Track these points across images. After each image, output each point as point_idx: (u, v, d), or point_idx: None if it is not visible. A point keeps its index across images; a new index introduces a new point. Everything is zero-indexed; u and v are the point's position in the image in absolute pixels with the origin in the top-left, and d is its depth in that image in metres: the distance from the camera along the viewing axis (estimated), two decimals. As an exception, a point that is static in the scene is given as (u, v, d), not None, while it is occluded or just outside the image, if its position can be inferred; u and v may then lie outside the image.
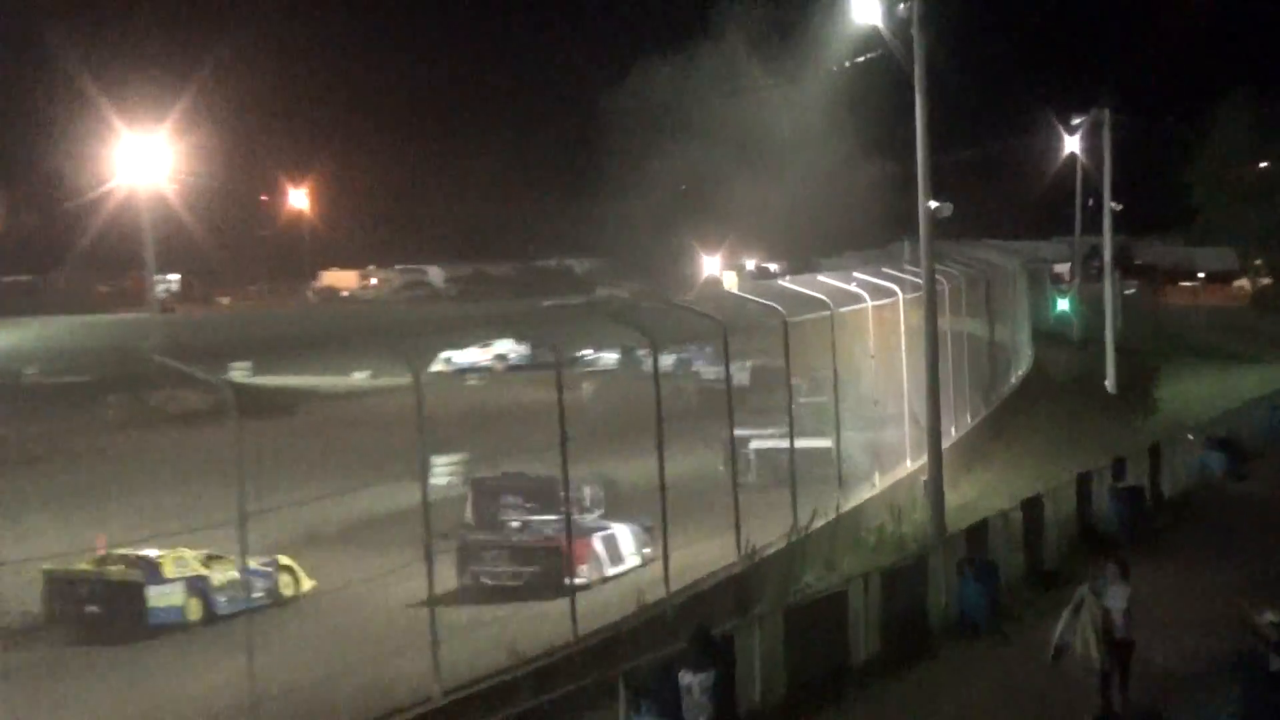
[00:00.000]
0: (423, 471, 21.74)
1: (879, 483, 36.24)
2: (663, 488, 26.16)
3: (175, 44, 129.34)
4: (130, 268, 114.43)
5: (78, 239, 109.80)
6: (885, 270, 42.03)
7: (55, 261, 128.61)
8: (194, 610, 27.05)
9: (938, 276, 37.15)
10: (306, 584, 29.17)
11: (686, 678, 19.74)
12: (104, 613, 26.40)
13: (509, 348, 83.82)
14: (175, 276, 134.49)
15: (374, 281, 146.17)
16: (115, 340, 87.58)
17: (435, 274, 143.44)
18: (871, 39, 34.62)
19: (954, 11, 41.55)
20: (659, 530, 26.40)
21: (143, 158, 75.77)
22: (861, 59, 40.42)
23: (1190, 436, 43.81)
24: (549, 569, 26.96)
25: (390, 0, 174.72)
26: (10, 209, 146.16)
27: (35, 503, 36.67)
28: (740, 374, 37.41)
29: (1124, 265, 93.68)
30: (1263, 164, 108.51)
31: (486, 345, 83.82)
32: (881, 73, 38.03)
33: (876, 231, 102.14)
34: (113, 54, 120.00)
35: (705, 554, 27.94)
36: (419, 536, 21.45)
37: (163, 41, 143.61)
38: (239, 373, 74.14)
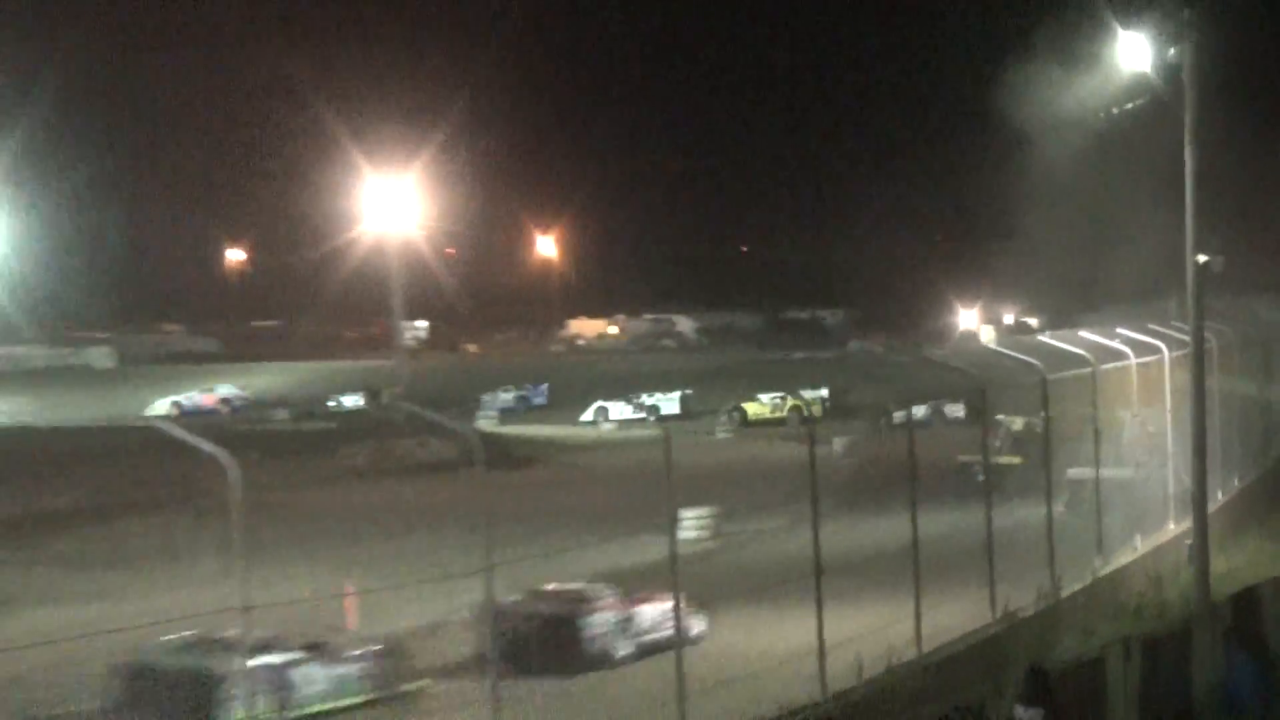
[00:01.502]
0: (670, 525, 21.89)
1: (1140, 546, 35.68)
2: (915, 544, 26.09)
3: (426, 95, 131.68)
4: (378, 314, 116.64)
5: (326, 285, 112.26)
6: (1150, 326, 41.44)
7: (303, 307, 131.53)
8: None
9: (1207, 334, 36.52)
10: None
11: (1019, 712, 20.17)
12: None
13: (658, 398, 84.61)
14: (423, 323, 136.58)
15: (614, 330, 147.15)
16: (361, 386, 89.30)
17: (685, 324, 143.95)
18: (1141, 85, 34.22)
19: (1235, 52, 40.81)
20: (897, 589, 26.31)
21: (394, 205, 77.26)
22: (1128, 106, 39.90)
23: None
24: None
25: (643, 58, 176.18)
26: (260, 255, 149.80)
27: (283, 548, 37.61)
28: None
29: None
30: None
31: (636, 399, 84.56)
32: (1151, 121, 37.55)
33: (1143, 286, 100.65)
34: (364, 104, 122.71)
35: (956, 614, 27.74)
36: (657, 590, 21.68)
37: (413, 93, 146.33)
38: (486, 421, 75.45)
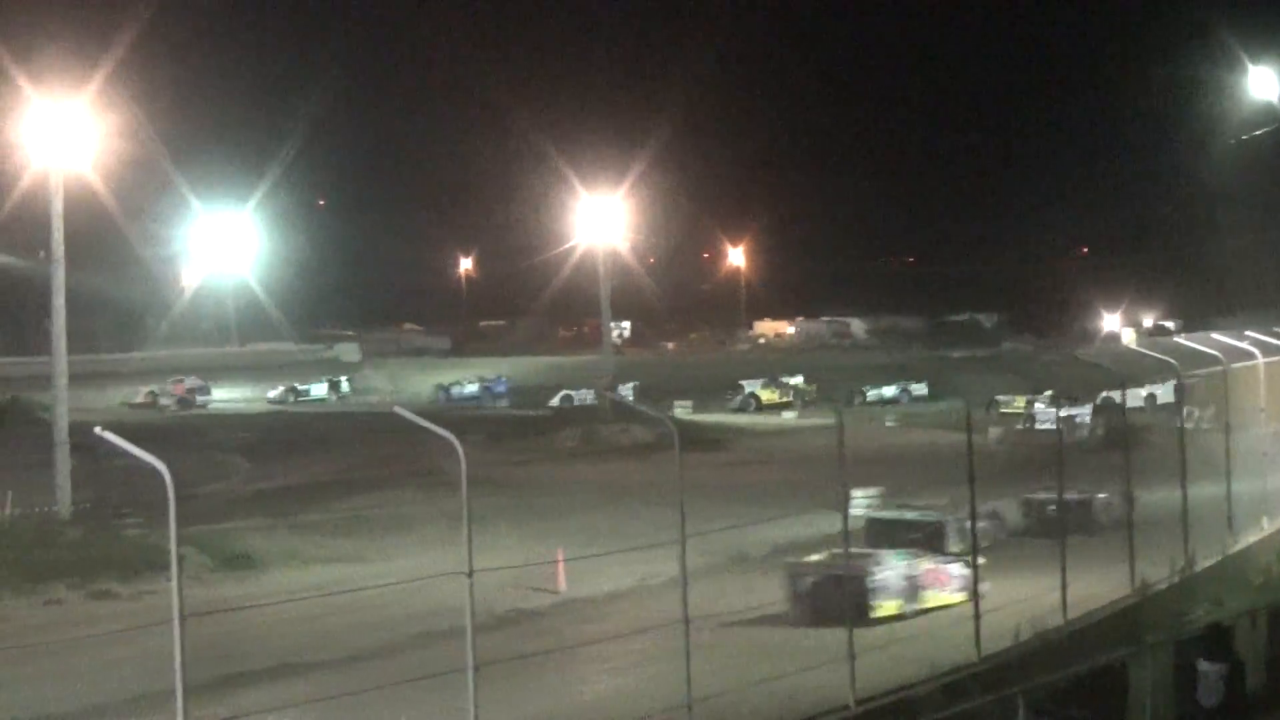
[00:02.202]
0: (843, 502, 21.80)
1: (1267, 526, 34.94)
2: (1062, 525, 25.77)
3: (631, 120, 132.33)
4: (587, 315, 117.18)
5: (543, 289, 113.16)
6: (1277, 330, 40.66)
7: (524, 308, 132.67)
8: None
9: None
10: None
11: (1204, 665, 20.21)
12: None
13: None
14: (626, 324, 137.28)
15: (792, 330, 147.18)
16: (574, 379, 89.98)
17: (856, 325, 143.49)
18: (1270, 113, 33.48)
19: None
20: (1046, 562, 25.97)
21: (603, 219, 77.66)
22: (1257, 133, 39.05)
23: None
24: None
25: (820, 85, 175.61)
26: (487, 263, 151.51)
27: (499, 521, 37.95)
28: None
29: None
30: None
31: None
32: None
33: (1275, 294, 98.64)
34: (577, 130, 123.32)
35: (1098, 585, 27.35)
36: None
37: (620, 119, 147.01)
38: (681, 410, 75.58)
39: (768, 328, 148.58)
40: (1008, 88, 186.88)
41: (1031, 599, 25.34)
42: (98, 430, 15.71)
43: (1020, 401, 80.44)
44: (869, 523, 33.56)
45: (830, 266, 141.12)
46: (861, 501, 40.00)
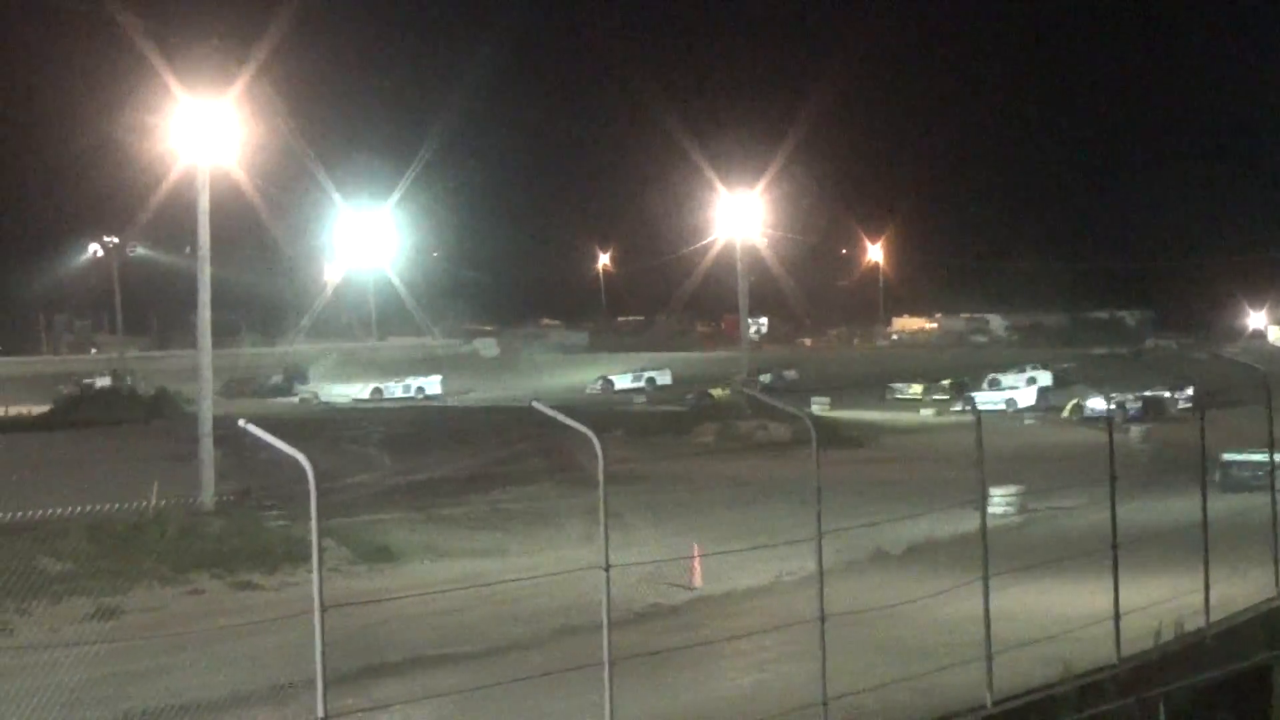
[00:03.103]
0: (982, 501, 21.66)
1: None
2: (1205, 523, 25.37)
3: (771, 118, 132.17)
4: (725, 311, 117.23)
5: (682, 285, 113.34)
6: None
7: (662, 304, 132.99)
8: None
9: None
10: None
11: None
12: None
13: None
14: (764, 320, 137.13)
15: (933, 325, 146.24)
16: (712, 374, 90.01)
17: (996, 322, 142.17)
18: None
19: None
20: (1187, 563, 25.61)
21: (741, 216, 77.61)
22: None
23: None
24: None
25: (961, 84, 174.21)
26: (625, 260, 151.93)
27: (636, 516, 38.06)
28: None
29: None
30: None
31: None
32: None
33: None
34: (713, 119, 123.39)
35: (1241, 587, 26.91)
36: (966, 559, 21.46)
37: (759, 118, 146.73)
38: (819, 407, 75.40)
39: (907, 324, 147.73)
40: (1155, 81, 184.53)
41: (1172, 599, 25.00)
42: (241, 423, 15.97)
43: (917, 389, 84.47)
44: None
45: (971, 262, 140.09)
46: (1000, 500, 39.76)
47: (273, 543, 34.82)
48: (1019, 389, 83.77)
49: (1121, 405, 71.67)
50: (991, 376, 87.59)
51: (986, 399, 78.17)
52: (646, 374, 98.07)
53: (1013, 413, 73.79)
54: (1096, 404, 71.59)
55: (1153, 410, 71.18)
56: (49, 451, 56.37)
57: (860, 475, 47.26)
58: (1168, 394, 74.47)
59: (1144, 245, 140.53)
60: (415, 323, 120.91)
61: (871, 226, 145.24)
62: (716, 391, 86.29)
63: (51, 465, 49.41)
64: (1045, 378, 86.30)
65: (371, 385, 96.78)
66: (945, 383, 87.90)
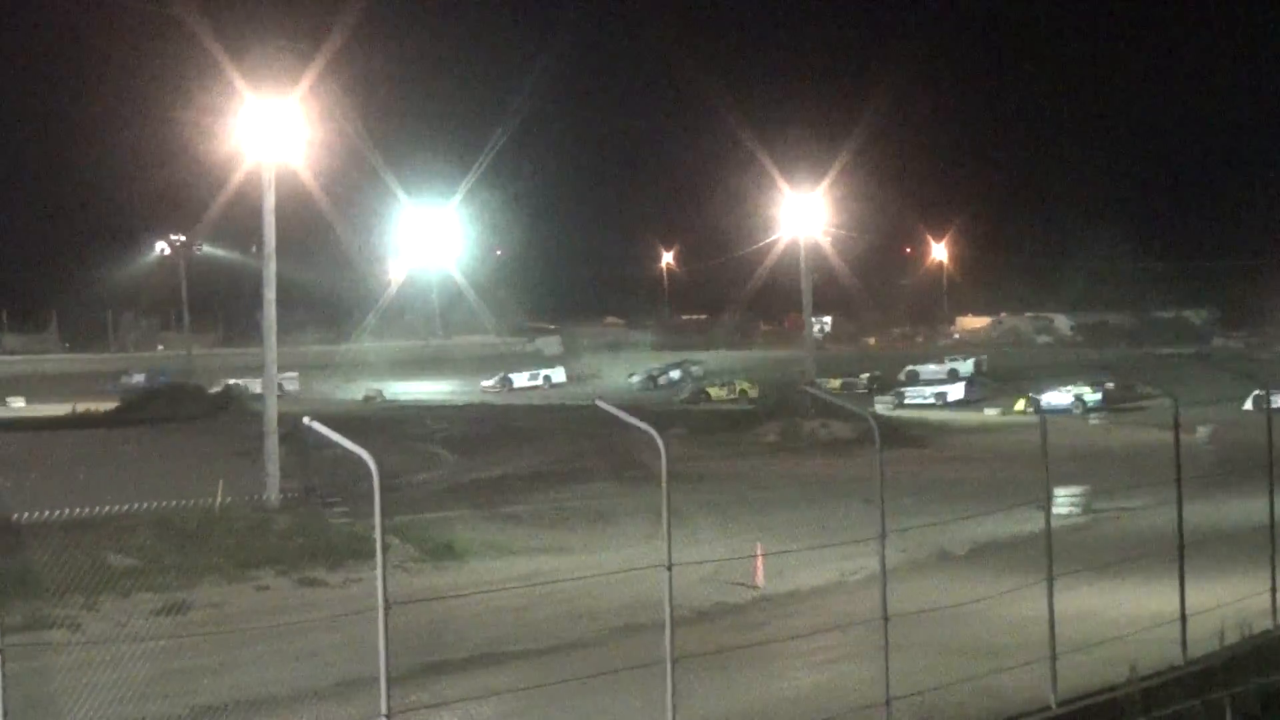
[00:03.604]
0: (1047, 501, 21.56)
1: None
2: (1273, 524, 25.18)
3: (834, 118, 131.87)
4: (788, 309, 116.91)
5: (745, 283, 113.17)
6: None
7: (725, 303, 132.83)
8: None
9: None
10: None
11: None
12: None
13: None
14: (828, 318, 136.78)
15: (998, 319, 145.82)
16: (776, 373, 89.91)
17: (1061, 321, 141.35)
18: None
19: None
20: (1255, 565, 25.40)
21: (804, 214, 77.33)
22: None
23: None
24: None
25: (1025, 82, 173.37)
26: (689, 256, 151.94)
27: (699, 514, 38.07)
28: None
29: None
30: None
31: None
32: None
33: None
34: (776, 118, 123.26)
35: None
36: (1030, 560, 21.40)
37: (822, 117, 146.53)
38: (881, 406, 75.21)
39: (971, 323, 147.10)
40: (1224, 80, 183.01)
41: (1239, 600, 24.82)
42: (306, 420, 16.07)
43: (836, 383, 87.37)
44: None
45: (1036, 261, 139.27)
46: (1064, 500, 39.56)
47: (337, 539, 34.99)
48: (947, 382, 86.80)
49: (1080, 397, 76.26)
50: (909, 369, 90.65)
51: (915, 394, 79.89)
52: (543, 373, 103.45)
53: (1079, 413, 73.47)
54: (1054, 397, 74.51)
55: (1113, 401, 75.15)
56: (116, 448, 56.88)
57: (923, 474, 47.14)
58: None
59: (1211, 244, 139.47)
60: (478, 321, 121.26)
61: (936, 225, 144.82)
62: (714, 390, 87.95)
63: (119, 462, 49.87)
64: (967, 368, 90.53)
65: (499, 375, 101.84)
66: (864, 376, 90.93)
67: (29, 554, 27.31)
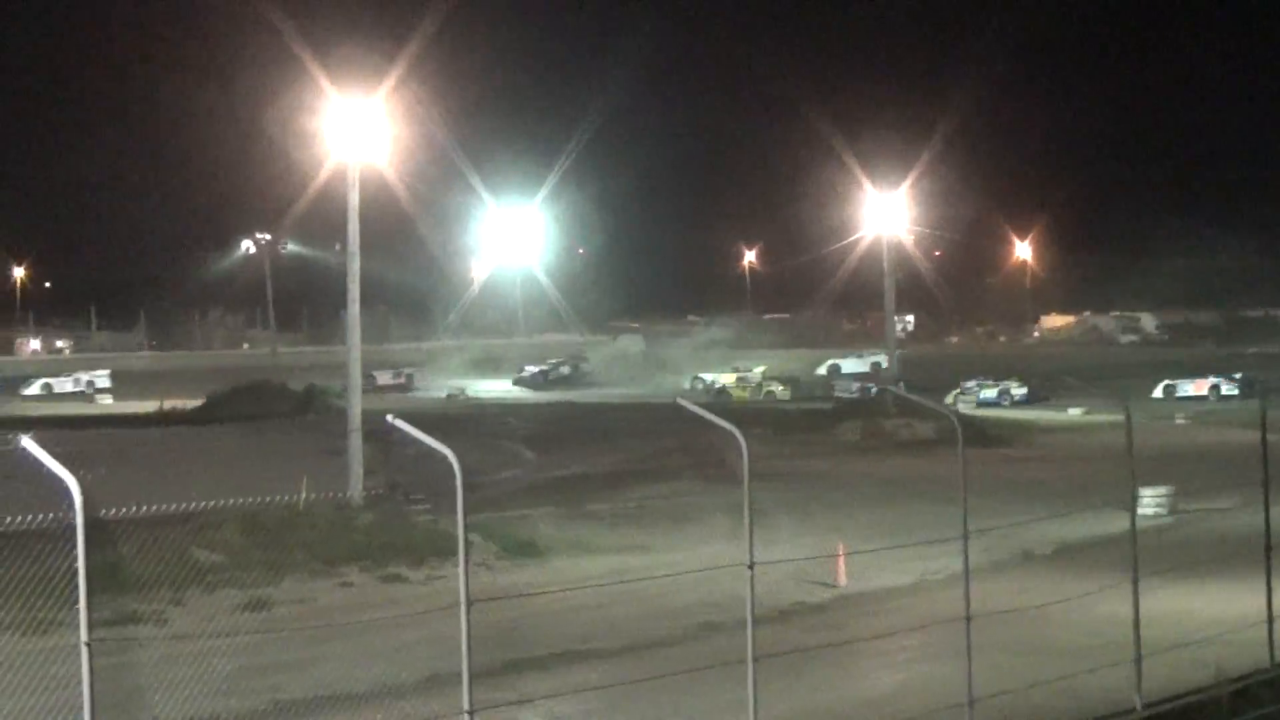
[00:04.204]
0: (1132, 501, 21.40)
1: None
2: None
3: (917, 110, 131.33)
4: (871, 308, 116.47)
5: (827, 282, 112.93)
6: None
7: (807, 301, 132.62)
8: None
9: None
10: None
11: None
12: None
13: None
14: (910, 317, 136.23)
15: (1082, 318, 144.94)
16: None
17: (1147, 320, 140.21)
18: None
19: None
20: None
21: (886, 210, 76.99)
22: None
23: None
24: None
25: (1115, 72, 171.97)
26: (771, 254, 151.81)
27: (780, 514, 38.00)
28: None
29: None
30: None
31: None
32: None
33: None
34: (860, 115, 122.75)
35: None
36: (1115, 561, 21.27)
37: (905, 107, 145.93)
38: (965, 405, 74.79)
39: (1055, 322, 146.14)
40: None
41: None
42: (389, 418, 16.19)
43: (730, 378, 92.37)
44: None
45: (1121, 260, 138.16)
46: (1150, 501, 39.17)
47: (419, 537, 35.16)
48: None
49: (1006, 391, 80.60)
50: (831, 362, 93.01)
51: (976, 392, 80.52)
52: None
53: (1214, 401, 74.67)
54: (1190, 388, 78.61)
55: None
56: (201, 444, 57.40)
57: (1007, 474, 46.82)
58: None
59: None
60: (560, 319, 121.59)
61: (1020, 223, 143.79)
62: (736, 392, 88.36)
63: (204, 458, 50.29)
64: (879, 359, 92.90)
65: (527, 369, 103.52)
66: (757, 369, 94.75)
67: (117, 549, 27.62)
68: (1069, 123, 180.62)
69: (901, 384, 75.64)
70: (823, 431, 65.77)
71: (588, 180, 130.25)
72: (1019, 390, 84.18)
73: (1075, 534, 34.60)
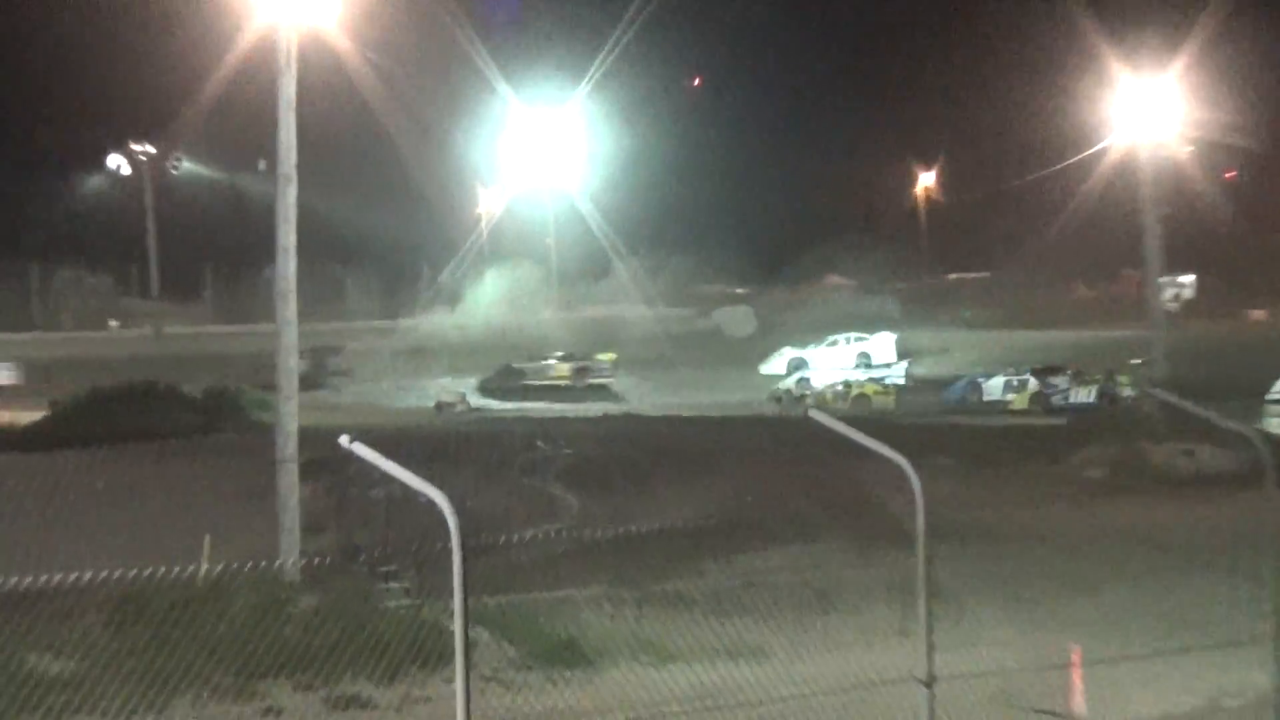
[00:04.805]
0: None
1: None
2: None
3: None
4: (1120, 265, 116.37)
5: (1046, 223, 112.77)
6: None
7: (1014, 254, 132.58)
8: None
9: None
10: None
11: None
12: None
13: None
14: (1188, 279, 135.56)
15: None
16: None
17: None
18: None
19: None
20: None
21: (1140, 109, 76.48)
22: None
23: None
24: None
25: None
26: (955, 181, 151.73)
27: (985, 594, 37.97)
28: None
29: None
30: None
31: None
32: None
33: None
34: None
35: None
36: None
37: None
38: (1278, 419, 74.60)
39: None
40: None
41: None
42: (344, 441, 16.03)
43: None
44: None
45: None
46: None
47: (391, 633, 35.08)
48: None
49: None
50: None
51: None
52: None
53: None
54: None
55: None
56: (43, 483, 57.50)
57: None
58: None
59: None
60: (620, 284, 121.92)
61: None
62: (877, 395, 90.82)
63: (50, 505, 50.43)
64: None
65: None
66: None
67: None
68: None
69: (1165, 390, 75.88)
70: (1050, 461, 65.83)
71: (655, 71, 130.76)
72: None
73: None
